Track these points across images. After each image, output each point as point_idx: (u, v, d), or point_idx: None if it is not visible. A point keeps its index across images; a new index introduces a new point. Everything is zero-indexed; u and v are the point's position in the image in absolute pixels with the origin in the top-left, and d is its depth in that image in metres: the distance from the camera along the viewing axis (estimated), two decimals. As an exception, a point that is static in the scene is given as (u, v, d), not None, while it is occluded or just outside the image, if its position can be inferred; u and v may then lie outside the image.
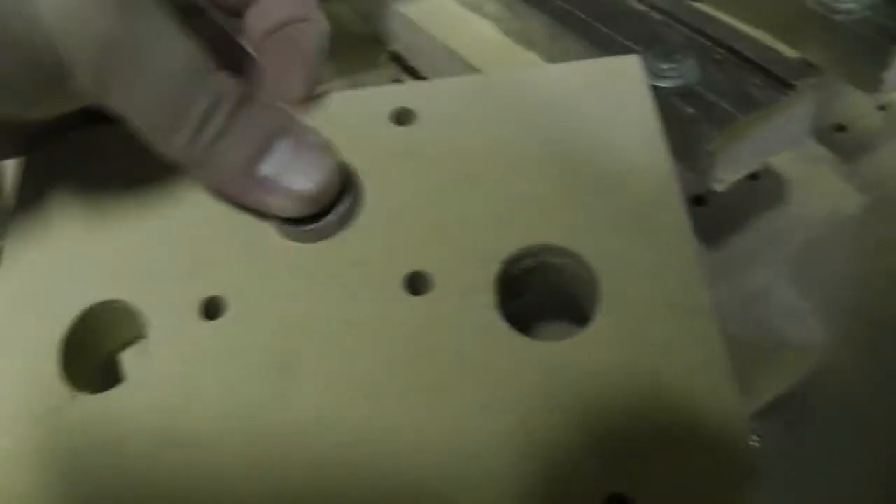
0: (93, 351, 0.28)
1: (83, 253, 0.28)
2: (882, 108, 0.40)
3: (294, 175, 0.26)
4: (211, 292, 0.27)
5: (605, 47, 0.32)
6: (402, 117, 0.30)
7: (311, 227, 0.27)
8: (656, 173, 0.27)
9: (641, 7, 0.34)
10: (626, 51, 0.32)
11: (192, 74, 0.24)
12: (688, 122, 0.29)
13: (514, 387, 0.25)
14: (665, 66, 0.30)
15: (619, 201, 0.27)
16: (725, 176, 0.29)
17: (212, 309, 0.26)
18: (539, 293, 0.28)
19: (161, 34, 0.24)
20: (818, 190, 0.38)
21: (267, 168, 0.26)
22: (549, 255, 0.28)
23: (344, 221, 0.28)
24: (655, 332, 0.25)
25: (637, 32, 0.33)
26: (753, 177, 0.36)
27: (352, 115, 0.29)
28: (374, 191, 0.28)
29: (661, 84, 0.30)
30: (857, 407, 0.33)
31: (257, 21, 0.29)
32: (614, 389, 0.24)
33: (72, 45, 0.22)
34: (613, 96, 0.29)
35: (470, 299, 0.26)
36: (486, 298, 0.26)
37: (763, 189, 0.37)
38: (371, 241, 0.28)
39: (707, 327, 0.25)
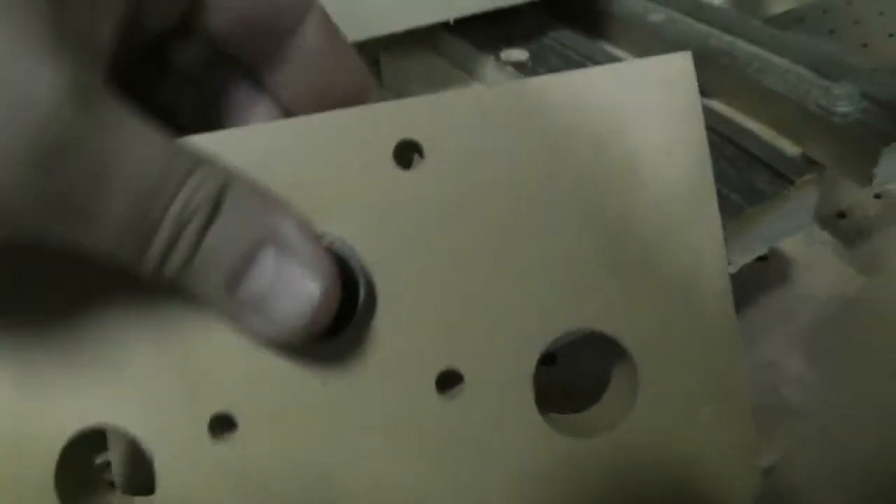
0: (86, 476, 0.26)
1: (63, 382, 0.24)
2: (878, 196, 0.44)
3: (280, 300, 0.22)
4: (218, 409, 0.24)
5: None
6: (408, 155, 0.25)
7: (324, 344, 0.24)
8: (705, 234, 0.25)
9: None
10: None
11: (161, 181, 0.20)
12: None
13: (554, 486, 0.25)
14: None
15: (663, 274, 0.25)
16: (736, 259, 0.32)
17: (221, 426, 0.24)
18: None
19: (123, 138, 0.20)
20: (822, 271, 0.41)
21: (247, 290, 0.22)
22: (587, 338, 0.25)
23: (362, 321, 0.24)
24: (693, 420, 0.25)
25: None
26: (762, 258, 0.39)
27: (345, 152, 0.24)
28: (384, 265, 0.24)
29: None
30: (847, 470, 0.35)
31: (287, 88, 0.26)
32: (649, 482, 0.25)
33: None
34: (663, 113, 0.25)
35: (507, 398, 0.25)
36: (525, 396, 0.25)
37: (771, 270, 0.41)
38: (395, 339, 0.24)
39: (740, 409, 0.25)
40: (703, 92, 0.42)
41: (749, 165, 0.34)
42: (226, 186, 0.21)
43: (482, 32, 0.46)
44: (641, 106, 0.24)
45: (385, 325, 0.24)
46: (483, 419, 0.24)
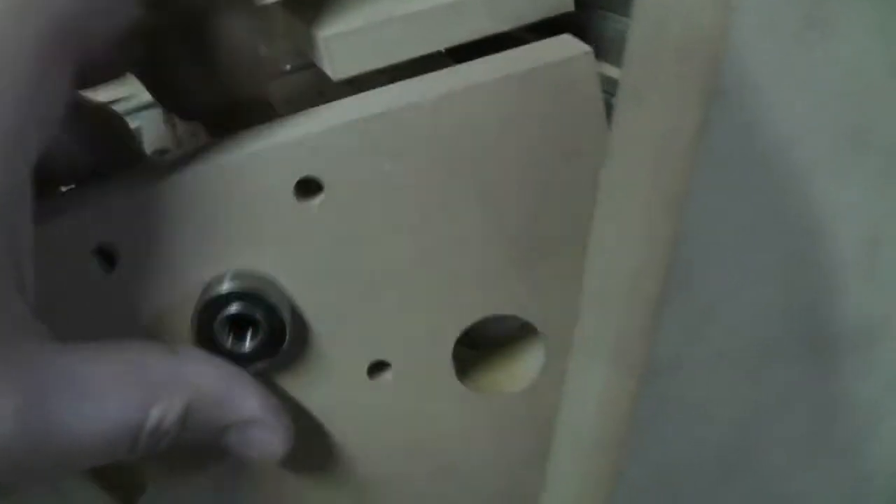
0: None
1: None
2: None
3: (254, 451, 0.27)
4: None
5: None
6: (307, 190, 0.26)
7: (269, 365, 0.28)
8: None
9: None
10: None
11: (125, 431, 0.23)
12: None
13: (479, 439, 0.29)
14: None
15: (563, 261, 0.28)
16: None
17: None
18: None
19: (84, 407, 0.22)
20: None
21: (227, 442, 0.27)
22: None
23: (296, 341, 0.28)
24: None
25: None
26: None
27: (252, 194, 0.26)
28: (306, 285, 0.27)
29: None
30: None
31: None
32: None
33: None
34: (565, 114, 0.25)
35: (429, 375, 0.29)
36: (446, 370, 0.29)
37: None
38: (327, 345, 0.28)
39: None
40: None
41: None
42: (188, 406, 0.25)
43: (477, 57, 0.52)
44: (544, 108, 0.26)
45: (316, 333, 0.28)
46: (411, 393, 0.29)
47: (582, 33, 0.56)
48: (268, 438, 0.27)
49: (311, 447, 0.29)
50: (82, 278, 0.25)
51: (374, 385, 0.29)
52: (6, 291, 0.20)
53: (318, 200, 0.26)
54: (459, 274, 0.27)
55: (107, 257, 0.26)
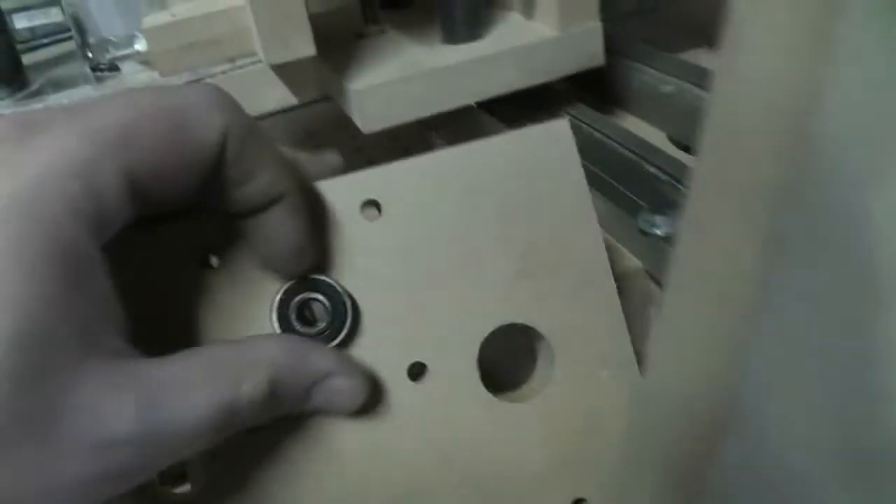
0: None
1: None
2: None
3: (333, 408, 0.30)
4: None
5: (617, 202, 0.43)
6: (370, 211, 0.32)
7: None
8: (591, 246, 0.33)
9: (652, 170, 0.45)
10: (633, 206, 0.41)
11: (222, 412, 0.26)
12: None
13: (500, 442, 0.32)
14: (659, 219, 0.40)
15: (563, 276, 0.33)
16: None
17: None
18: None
19: (183, 403, 0.25)
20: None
21: (307, 410, 0.30)
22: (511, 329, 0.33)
23: (353, 330, 0.31)
24: (597, 382, 0.33)
25: (644, 190, 0.43)
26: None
27: (325, 212, 0.31)
28: (360, 290, 0.31)
29: (654, 232, 0.39)
30: None
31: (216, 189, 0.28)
32: (573, 426, 0.33)
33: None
34: (552, 163, 0.33)
35: (459, 378, 0.32)
36: (472, 377, 0.32)
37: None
38: (375, 344, 0.31)
39: (633, 373, 0.34)
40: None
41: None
42: (272, 379, 0.28)
43: (511, 110, 0.53)
44: (536, 159, 0.33)
45: (366, 334, 0.32)
46: (443, 396, 0.32)
47: (608, 83, 0.57)
48: (348, 385, 0.30)
49: (352, 447, 0.32)
50: (186, 277, 0.31)
51: (413, 387, 0.32)
52: (107, 336, 0.25)
53: (377, 219, 0.32)
54: (481, 282, 0.32)
55: (206, 260, 0.31)
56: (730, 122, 0.20)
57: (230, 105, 0.28)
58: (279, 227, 0.29)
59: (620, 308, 0.34)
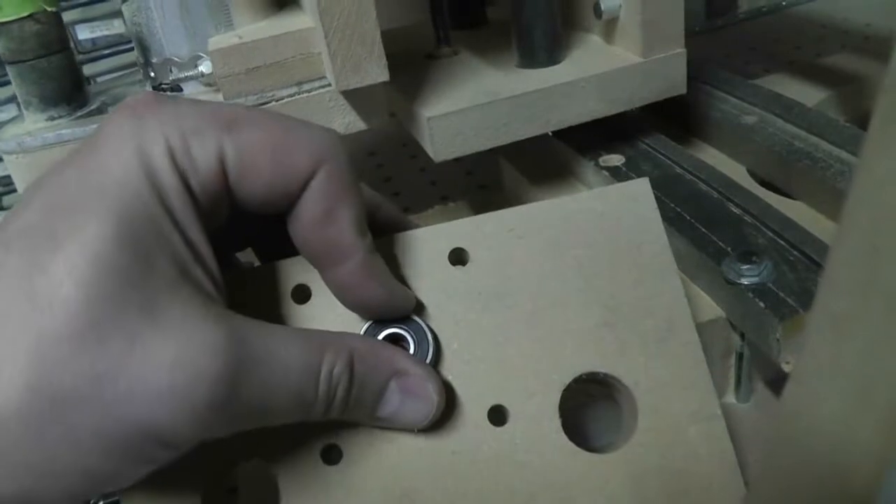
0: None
1: None
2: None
3: (408, 414, 0.31)
4: (328, 441, 0.31)
5: (700, 246, 0.40)
6: (458, 259, 0.34)
7: None
8: (673, 299, 0.33)
9: (737, 210, 0.42)
10: (718, 251, 0.39)
11: (307, 373, 0.28)
12: (759, 315, 0.36)
13: (580, 494, 0.32)
14: (745, 267, 0.37)
15: (646, 327, 0.33)
16: (791, 358, 0.36)
17: (331, 455, 0.31)
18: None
19: (273, 352, 0.27)
20: None
21: (384, 411, 0.30)
22: (593, 383, 0.33)
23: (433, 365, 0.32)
24: (683, 437, 0.32)
25: (728, 233, 0.40)
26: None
27: (417, 257, 0.33)
28: (445, 332, 0.33)
29: (740, 282, 0.37)
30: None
31: (297, 224, 0.29)
32: (658, 484, 0.32)
33: (185, 413, 0.24)
34: (633, 220, 0.34)
35: (540, 425, 0.32)
36: (554, 424, 0.32)
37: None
38: (456, 385, 0.32)
39: (720, 428, 0.32)
40: (787, 194, 0.45)
41: (808, 270, 0.37)
42: (352, 356, 0.29)
43: (584, 136, 0.51)
44: (618, 216, 0.34)
45: (449, 376, 0.32)
46: (524, 441, 0.32)
47: (687, 111, 0.55)
48: (424, 389, 0.30)
49: (427, 487, 0.31)
50: (282, 311, 0.32)
51: (493, 431, 0.32)
52: (202, 281, 0.27)
53: (465, 266, 0.33)
54: (563, 331, 0.33)
55: (301, 295, 0.33)
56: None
57: (335, 146, 0.29)
58: (352, 282, 0.30)
59: (705, 362, 0.33)
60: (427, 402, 0.30)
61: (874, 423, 0.18)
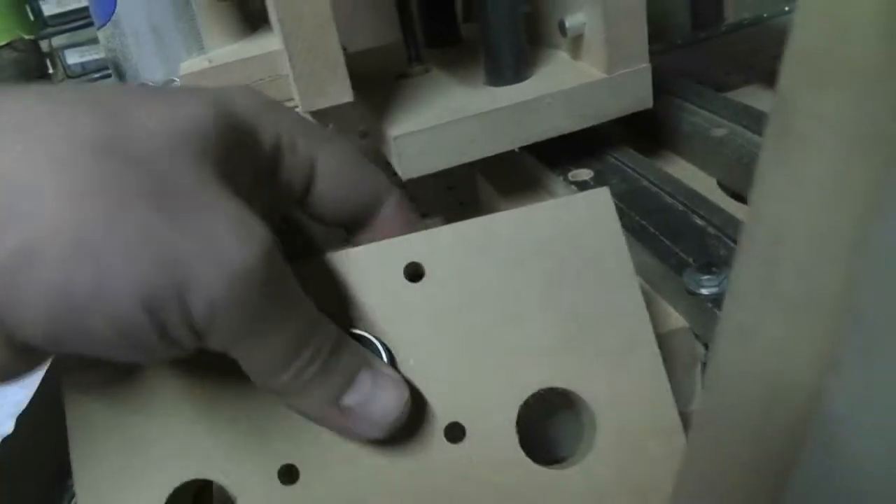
0: None
1: (160, 439, 0.31)
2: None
3: (374, 406, 0.30)
4: (285, 461, 0.31)
5: (663, 257, 0.41)
6: (414, 273, 0.33)
7: None
8: (634, 312, 0.33)
9: (700, 222, 0.43)
10: (680, 262, 0.40)
11: (306, 332, 0.28)
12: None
13: None
14: (705, 278, 0.38)
15: (607, 341, 0.33)
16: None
17: (289, 476, 0.31)
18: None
19: (293, 303, 0.28)
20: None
21: (350, 399, 0.29)
22: (552, 395, 0.33)
23: None
24: (643, 452, 0.32)
25: (691, 245, 0.41)
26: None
27: (371, 273, 0.33)
28: (401, 349, 0.32)
29: (700, 292, 0.38)
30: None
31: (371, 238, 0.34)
32: (617, 499, 0.32)
33: (217, 320, 0.25)
34: (594, 231, 0.33)
35: (497, 441, 0.32)
36: (511, 440, 0.32)
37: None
38: (413, 401, 0.31)
39: (679, 442, 0.32)
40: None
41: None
42: (339, 337, 0.29)
43: (555, 152, 0.51)
44: (579, 226, 0.33)
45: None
46: (481, 459, 0.32)
47: (657, 124, 0.56)
48: (395, 384, 0.30)
49: None
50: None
51: (451, 448, 0.32)
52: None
53: (420, 281, 0.33)
54: (522, 346, 0.32)
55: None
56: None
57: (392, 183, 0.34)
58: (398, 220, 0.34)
59: (666, 376, 0.33)
60: (397, 399, 0.30)
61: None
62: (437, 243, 0.33)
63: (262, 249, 0.25)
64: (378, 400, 0.30)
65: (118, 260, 0.23)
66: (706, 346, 0.40)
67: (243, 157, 0.29)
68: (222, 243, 0.25)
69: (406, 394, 0.30)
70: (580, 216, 0.34)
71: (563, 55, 0.51)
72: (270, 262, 0.26)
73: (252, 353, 0.27)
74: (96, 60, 0.71)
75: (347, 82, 0.41)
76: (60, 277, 0.22)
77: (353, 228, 0.35)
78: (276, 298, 0.27)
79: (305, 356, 0.28)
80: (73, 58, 0.70)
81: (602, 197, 0.34)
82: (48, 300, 0.23)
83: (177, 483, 0.30)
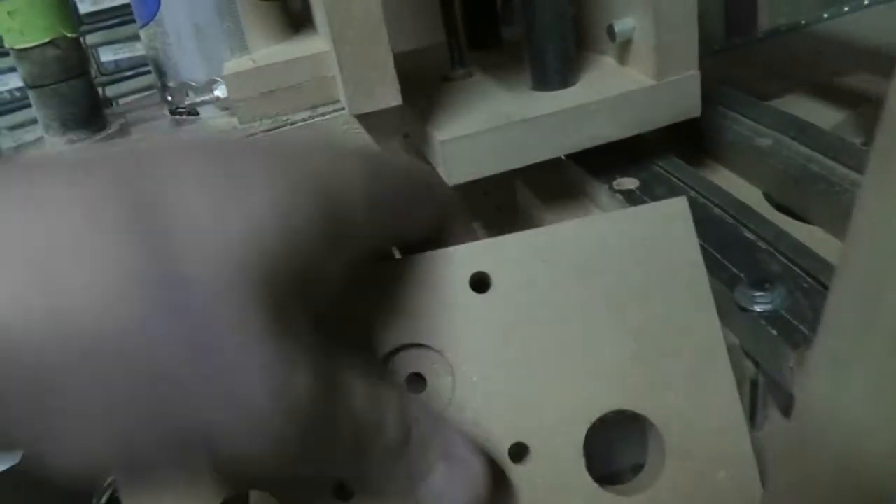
0: None
1: None
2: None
3: (447, 501, 0.28)
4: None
5: (713, 271, 0.40)
6: (479, 283, 0.31)
7: None
8: (708, 332, 0.31)
9: (751, 236, 0.42)
10: (732, 277, 0.39)
11: (376, 426, 0.26)
12: (772, 343, 0.36)
13: None
14: (757, 294, 0.37)
15: (678, 363, 0.31)
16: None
17: (343, 493, 0.30)
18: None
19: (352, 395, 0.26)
20: None
21: (425, 491, 0.28)
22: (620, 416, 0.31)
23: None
24: (711, 482, 0.31)
25: (741, 259, 0.40)
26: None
27: (435, 280, 0.31)
28: (464, 364, 0.31)
29: (752, 309, 0.37)
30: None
31: None
32: None
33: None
34: (668, 242, 0.32)
35: (563, 464, 0.30)
36: (578, 463, 0.30)
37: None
38: (475, 419, 0.30)
39: (751, 475, 0.31)
40: (803, 219, 0.45)
41: (822, 298, 0.37)
42: (413, 420, 0.27)
43: (598, 159, 0.50)
44: (652, 239, 0.32)
45: (467, 410, 0.31)
46: (546, 481, 0.31)
47: (702, 133, 0.55)
48: (463, 486, 0.28)
49: None
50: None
51: (514, 469, 0.30)
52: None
53: (486, 293, 0.31)
54: (591, 364, 0.31)
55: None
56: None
57: (458, 201, 0.33)
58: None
59: (739, 401, 0.31)
60: (469, 493, 0.28)
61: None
62: (503, 251, 0.32)
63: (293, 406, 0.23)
64: (452, 493, 0.28)
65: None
66: (756, 364, 0.39)
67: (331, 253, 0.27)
68: (252, 402, 0.22)
69: (481, 482, 0.28)
70: (655, 227, 0.32)
71: (610, 61, 0.50)
72: (299, 417, 0.24)
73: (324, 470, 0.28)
74: (130, 58, 0.71)
75: (396, 86, 0.40)
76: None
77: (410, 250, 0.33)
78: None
79: (382, 448, 0.27)
80: (106, 55, 0.70)
81: (679, 207, 0.32)
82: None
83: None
